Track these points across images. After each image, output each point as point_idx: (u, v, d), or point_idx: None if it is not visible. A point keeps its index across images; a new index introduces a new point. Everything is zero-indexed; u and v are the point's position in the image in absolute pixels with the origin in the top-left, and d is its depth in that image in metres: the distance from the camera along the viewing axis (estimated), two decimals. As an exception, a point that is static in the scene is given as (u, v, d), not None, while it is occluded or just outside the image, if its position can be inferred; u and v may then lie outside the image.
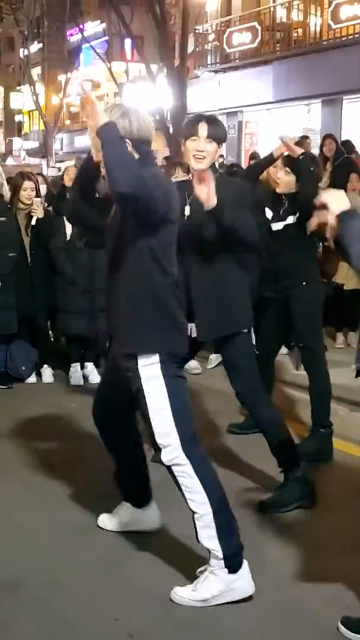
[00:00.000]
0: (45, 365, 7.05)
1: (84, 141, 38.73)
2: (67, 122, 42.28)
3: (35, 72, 40.54)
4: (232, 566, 3.36)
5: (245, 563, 3.39)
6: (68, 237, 6.76)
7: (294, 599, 3.46)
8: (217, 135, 4.22)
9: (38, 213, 6.76)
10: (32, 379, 6.97)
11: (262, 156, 9.09)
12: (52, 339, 7.54)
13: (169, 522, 4.04)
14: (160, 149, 22.02)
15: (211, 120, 4.22)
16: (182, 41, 20.00)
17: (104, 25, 35.12)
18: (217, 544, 3.34)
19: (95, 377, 6.84)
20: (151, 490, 3.99)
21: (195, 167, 4.17)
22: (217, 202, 3.85)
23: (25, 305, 6.76)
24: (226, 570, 3.35)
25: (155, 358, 3.35)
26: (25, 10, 34.71)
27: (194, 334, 4.26)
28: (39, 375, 7.02)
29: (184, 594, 3.41)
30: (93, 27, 36.12)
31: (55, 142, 35.34)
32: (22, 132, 49.76)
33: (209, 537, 3.34)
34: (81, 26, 32.44)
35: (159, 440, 3.35)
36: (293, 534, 4.08)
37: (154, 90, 21.70)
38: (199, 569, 3.49)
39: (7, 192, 7.26)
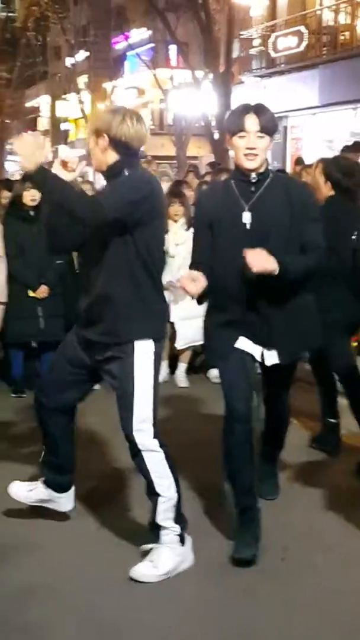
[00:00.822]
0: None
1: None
2: (113, 129, 42.46)
3: (82, 80, 40.87)
4: (183, 540, 3.70)
5: (188, 536, 3.74)
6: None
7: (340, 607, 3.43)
8: (269, 127, 3.73)
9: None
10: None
11: (306, 162, 9.04)
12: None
13: (207, 529, 4.03)
14: (205, 155, 22.06)
15: (260, 110, 3.72)
16: (227, 47, 20.04)
17: (149, 32, 35.29)
18: (174, 524, 3.66)
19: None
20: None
21: (248, 167, 3.75)
22: (279, 262, 3.57)
23: (72, 312, 6.79)
24: (180, 543, 3.68)
25: (150, 344, 3.62)
26: (72, 19, 35.07)
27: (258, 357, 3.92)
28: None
29: (146, 571, 3.62)
30: (139, 34, 36.31)
31: (101, 150, 35.56)
32: (68, 140, 50.18)
33: (168, 519, 3.65)
34: (127, 34, 32.69)
35: (136, 425, 3.58)
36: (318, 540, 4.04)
37: (199, 96, 21.74)
38: (146, 546, 3.71)
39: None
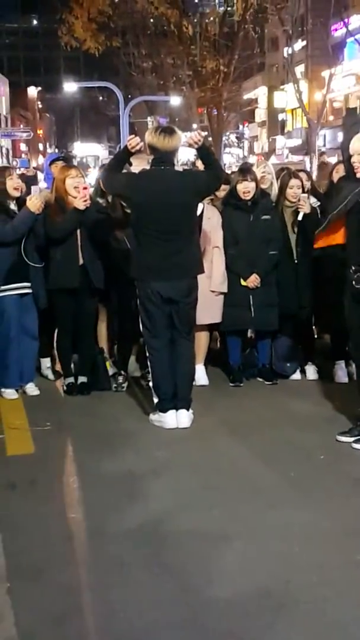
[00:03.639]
0: (310, 362, 7.01)
1: (347, 136, 38.18)
2: (330, 118, 41.99)
3: (299, 70, 40.66)
4: None
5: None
6: (333, 233, 6.67)
7: None
8: None
9: (305, 209, 6.73)
10: (297, 375, 6.96)
11: None
12: (316, 336, 7.49)
13: None
14: None
15: None
16: None
17: (369, 16, 34.40)
18: None
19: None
20: None
21: None
22: None
23: (290, 302, 6.76)
24: None
25: None
26: (290, 8, 34.88)
27: None
28: (303, 372, 7.00)
29: None
30: (358, 19, 35.50)
31: (318, 139, 35.19)
32: (285, 131, 50.15)
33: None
34: (346, 20, 32.04)
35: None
36: None
37: None
38: None
39: (274, 190, 7.30)
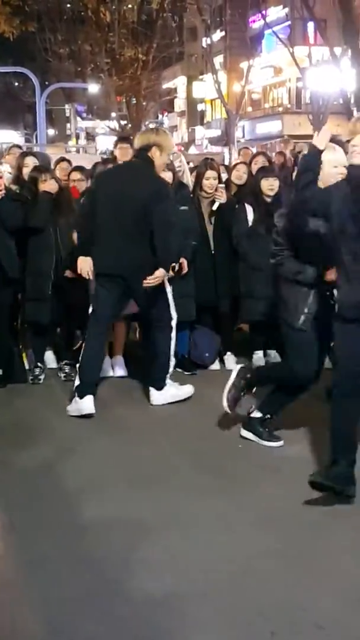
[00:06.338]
0: (229, 352, 7.04)
1: (265, 128, 38.60)
2: (249, 109, 42.34)
3: (218, 60, 40.78)
4: None
5: None
6: (250, 223, 6.71)
7: None
8: None
9: (221, 199, 6.75)
10: (216, 365, 6.99)
11: None
12: (235, 327, 7.52)
13: None
14: (343, 134, 21.56)
15: None
16: (368, 21, 19.48)
17: (286, 10, 34.82)
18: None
19: (277, 366, 6.75)
20: None
21: None
22: None
23: (208, 292, 6.77)
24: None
25: None
26: (209, -2, 35.02)
27: None
28: (222, 362, 7.03)
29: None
30: (276, 12, 35.91)
31: (237, 130, 35.42)
32: (205, 121, 50.26)
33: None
34: (263, 12, 32.33)
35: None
36: None
37: (338, 74, 21.28)
38: None
39: (188, 180, 7.30)
